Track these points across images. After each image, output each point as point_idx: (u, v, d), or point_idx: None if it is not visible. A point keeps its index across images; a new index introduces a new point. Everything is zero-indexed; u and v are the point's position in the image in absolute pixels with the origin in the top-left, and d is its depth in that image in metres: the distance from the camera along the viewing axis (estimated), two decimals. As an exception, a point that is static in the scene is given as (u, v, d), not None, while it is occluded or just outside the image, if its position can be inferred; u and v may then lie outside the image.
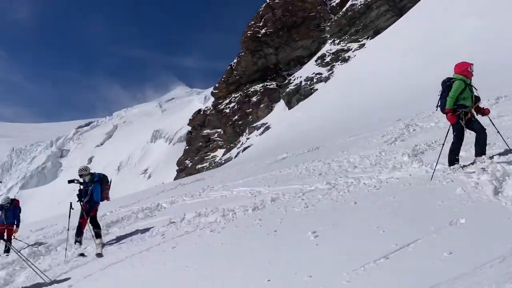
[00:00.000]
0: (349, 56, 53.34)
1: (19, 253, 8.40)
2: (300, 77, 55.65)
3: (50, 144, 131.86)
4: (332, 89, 46.67)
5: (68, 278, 6.92)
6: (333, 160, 12.41)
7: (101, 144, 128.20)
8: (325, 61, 55.56)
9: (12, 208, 12.06)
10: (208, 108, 72.39)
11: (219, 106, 64.61)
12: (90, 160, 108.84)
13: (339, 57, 54.56)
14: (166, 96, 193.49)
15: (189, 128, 76.02)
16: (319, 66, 55.45)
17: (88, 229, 8.82)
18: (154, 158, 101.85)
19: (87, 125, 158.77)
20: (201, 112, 72.27)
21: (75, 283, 6.44)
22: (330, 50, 56.84)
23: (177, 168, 72.97)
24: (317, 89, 51.19)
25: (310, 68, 56.18)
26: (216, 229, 7.42)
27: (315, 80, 53.20)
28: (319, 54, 57.90)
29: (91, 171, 8.91)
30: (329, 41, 58.86)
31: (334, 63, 54.32)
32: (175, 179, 58.94)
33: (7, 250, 11.45)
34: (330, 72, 52.96)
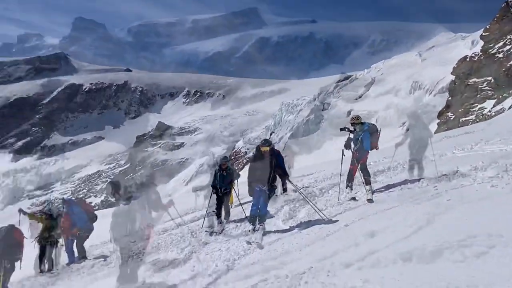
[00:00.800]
0: None
1: (299, 191, 9.54)
2: None
3: (313, 98, 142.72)
4: None
5: (343, 218, 7.46)
6: None
7: (359, 97, 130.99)
8: None
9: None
10: (476, 53, 63.70)
11: (490, 50, 56.17)
12: (348, 113, 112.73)
13: None
14: (427, 44, 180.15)
15: (453, 77, 69.28)
16: None
17: (358, 175, 9.22)
18: (413, 110, 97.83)
19: (346, 79, 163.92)
20: (467, 59, 64.26)
21: (351, 223, 6.85)
22: None
23: (438, 121, 68.28)
24: None
25: None
26: (498, 184, 6.61)
27: None
28: None
29: (362, 121, 9.16)
30: None
31: None
32: (435, 132, 55.43)
33: (284, 189, 13.33)
34: None
